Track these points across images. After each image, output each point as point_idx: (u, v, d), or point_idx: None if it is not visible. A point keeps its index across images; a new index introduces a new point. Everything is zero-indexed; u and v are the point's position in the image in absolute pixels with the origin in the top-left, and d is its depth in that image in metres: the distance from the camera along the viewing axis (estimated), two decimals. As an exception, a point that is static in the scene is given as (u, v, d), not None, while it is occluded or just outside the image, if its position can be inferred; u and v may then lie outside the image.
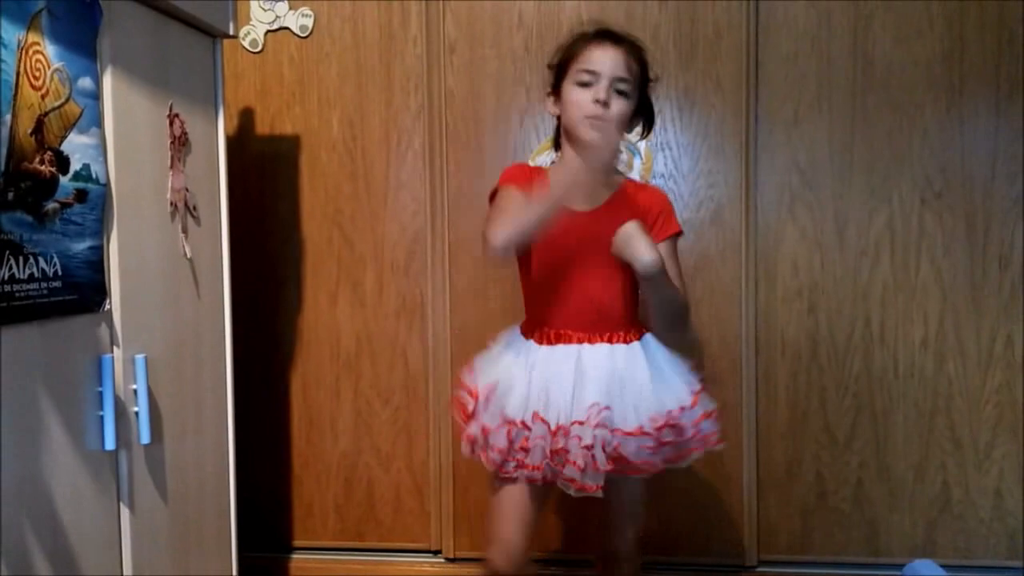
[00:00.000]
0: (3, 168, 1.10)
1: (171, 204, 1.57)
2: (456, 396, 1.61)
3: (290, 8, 2.27)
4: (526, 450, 1.46)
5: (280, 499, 2.34)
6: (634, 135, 1.79)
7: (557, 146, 1.65)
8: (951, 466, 2.12)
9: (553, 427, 1.44)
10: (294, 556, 2.33)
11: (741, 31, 2.12)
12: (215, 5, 1.71)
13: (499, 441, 1.47)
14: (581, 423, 1.42)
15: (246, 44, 2.29)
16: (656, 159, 2.17)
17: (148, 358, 1.43)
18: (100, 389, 1.32)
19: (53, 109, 1.21)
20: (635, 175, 2.16)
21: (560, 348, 1.50)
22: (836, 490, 2.16)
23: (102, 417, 1.32)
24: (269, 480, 2.33)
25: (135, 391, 1.41)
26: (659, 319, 1.56)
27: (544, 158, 2.17)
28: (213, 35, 1.75)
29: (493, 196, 1.57)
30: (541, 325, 1.54)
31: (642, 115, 1.59)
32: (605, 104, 1.46)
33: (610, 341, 1.50)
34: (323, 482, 2.33)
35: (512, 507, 1.54)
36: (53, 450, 1.22)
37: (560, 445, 1.43)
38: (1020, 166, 2.07)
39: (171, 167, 1.57)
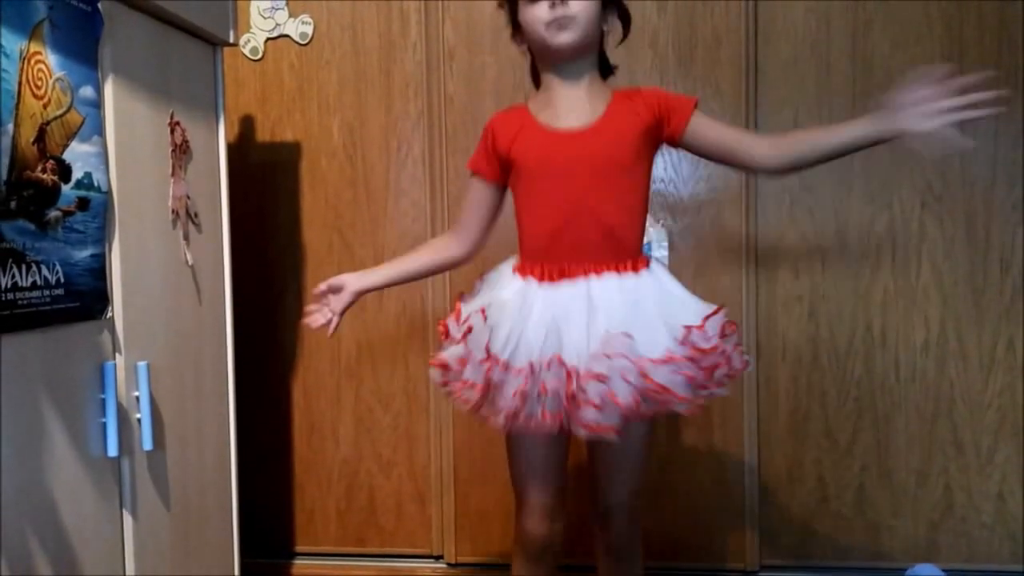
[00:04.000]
0: (5, 177, 1.11)
1: (172, 211, 1.57)
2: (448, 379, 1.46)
3: (290, 16, 2.28)
4: (546, 396, 1.32)
5: (282, 505, 2.34)
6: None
7: (536, 83, 1.53)
8: (953, 470, 2.12)
9: (569, 368, 1.31)
10: (296, 561, 2.34)
11: (740, 36, 2.12)
12: (215, 13, 1.72)
13: (511, 388, 1.33)
14: (600, 356, 1.30)
15: (246, 52, 2.30)
16: (656, 163, 2.16)
17: (150, 365, 1.44)
18: (102, 396, 1.33)
19: (55, 118, 1.21)
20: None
21: (565, 285, 1.38)
22: (838, 494, 2.16)
23: (104, 424, 1.33)
24: (271, 486, 2.34)
25: (137, 398, 1.41)
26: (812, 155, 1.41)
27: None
28: (214, 43, 1.76)
29: (468, 167, 1.55)
30: (541, 261, 1.42)
31: (614, 9, 1.47)
32: (562, 2, 1.37)
33: (619, 270, 1.39)
34: (324, 488, 2.33)
35: (535, 463, 1.45)
36: (56, 457, 1.22)
37: (575, 387, 1.30)
38: (1020, 169, 2.07)
39: (172, 174, 1.57)
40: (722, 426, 2.16)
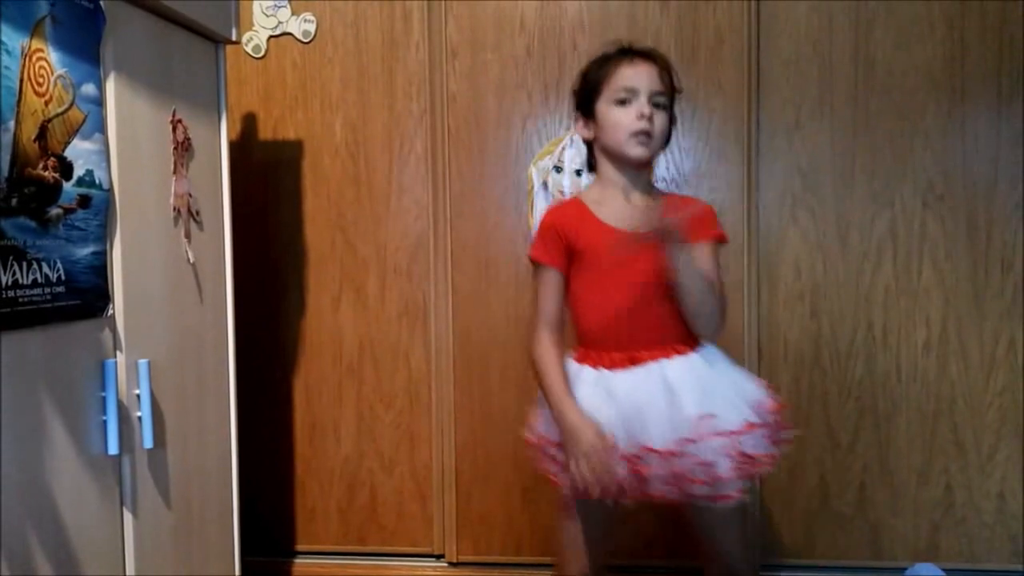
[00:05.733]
0: (7, 174, 1.11)
1: (174, 209, 1.57)
2: (538, 454, 1.56)
3: (293, 13, 2.28)
4: (643, 479, 1.42)
5: (283, 503, 2.35)
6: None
7: (591, 167, 1.61)
8: (954, 469, 2.12)
9: (663, 452, 1.40)
10: (296, 560, 2.34)
11: (742, 34, 2.12)
12: (218, 11, 1.72)
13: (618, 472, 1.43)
14: (692, 441, 1.38)
15: (249, 49, 2.30)
16: (658, 163, 2.17)
17: (151, 362, 1.44)
18: (103, 394, 1.33)
19: (56, 115, 1.21)
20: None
21: (640, 370, 1.46)
22: (839, 494, 2.16)
23: (105, 422, 1.33)
24: (272, 484, 2.34)
25: (138, 396, 1.41)
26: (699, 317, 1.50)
27: (545, 162, 2.18)
28: (216, 41, 1.76)
29: (534, 259, 1.53)
30: (606, 348, 1.50)
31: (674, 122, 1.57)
32: (649, 119, 1.46)
33: (683, 353, 1.48)
34: (326, 486, 2.33)
35: (592, 532, 1.53)
36: (56, 455, 1.22)
37: (677, 469, 1.39)
38: (1021, 169, 2.07)
39: (174, 172, 1.58)
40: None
